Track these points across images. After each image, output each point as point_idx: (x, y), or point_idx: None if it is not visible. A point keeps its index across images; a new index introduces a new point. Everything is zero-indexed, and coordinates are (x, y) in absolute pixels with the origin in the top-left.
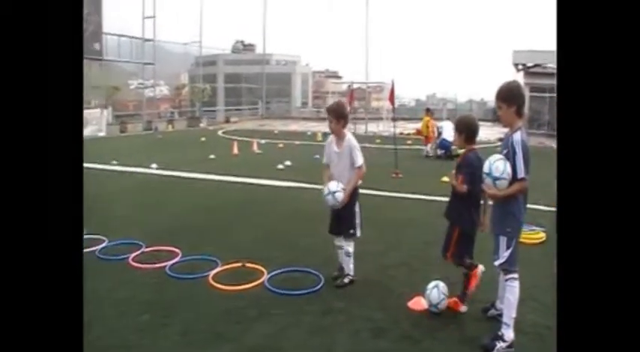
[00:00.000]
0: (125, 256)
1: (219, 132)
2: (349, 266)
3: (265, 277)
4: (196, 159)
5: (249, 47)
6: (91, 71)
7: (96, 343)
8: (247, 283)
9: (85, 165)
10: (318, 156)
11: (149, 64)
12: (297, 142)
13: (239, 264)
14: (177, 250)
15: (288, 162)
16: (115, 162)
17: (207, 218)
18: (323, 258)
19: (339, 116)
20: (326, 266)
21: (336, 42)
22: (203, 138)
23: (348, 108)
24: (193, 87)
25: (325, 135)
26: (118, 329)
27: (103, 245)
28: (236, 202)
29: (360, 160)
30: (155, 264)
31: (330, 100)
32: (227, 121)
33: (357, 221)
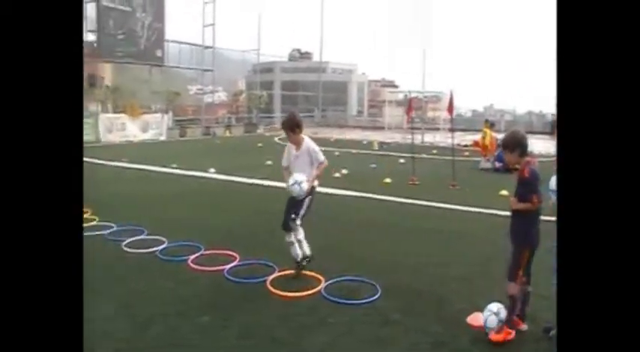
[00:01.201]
0: (185, 257)
1: (276, 139)
2: (305, 249)
3: (322, 285)
4: (253, 164)
5: (305, 55)
6: (152, 77)
7: (157, 340)
8: (304, 290)
9: (146, 167)
10: (375, 166)
11: (208, 70)
12: (353, 151)
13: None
14: (235, 254)
15: (344, 171)
16: (174, 165)
17: (264, 223)
18: (380, 268)
19: (291, 127)
20: (383, 277)
21: (393, 51)
22: (260, 144)
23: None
24: (251, 93)
25: (382, 144)
26: (178, 328)
27: (164, 246)
28: None
29: (321, 157)
30: (214, 266)
31: (387, 109)
32: None
33: (302, 212)
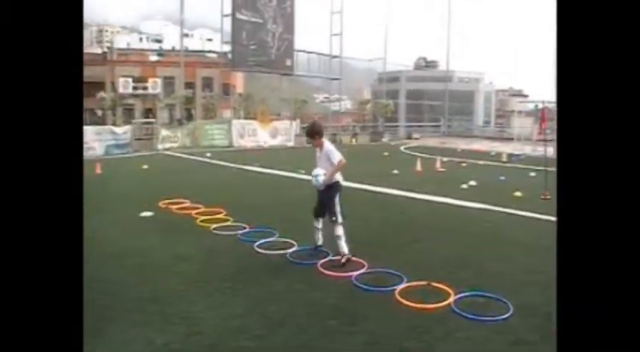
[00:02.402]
0: (314, 262)
1: (402, 148)
2: (343, 248)
3: (452, 298)
4: (380, 173)
5: (431, 64)
6: (281, 85)
7: (287, 340)
8: (434, 303)
9: (275, 171)
10: (504, 178)
11: (335, 79)
12: (480, 162)
13: (425, 283)
14: (362, 262)
15: (472, 182)
16: (302, 171)
17: (392, 233)
18: (513, 286)
19: (311, 134)
20: (516, 295)
21: (521, 60)
22: (386, 153)
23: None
24: (377, 102)
25: (511, 156)
26: (307, 329)
27: (294, 249)
28: (421, 219)
29: (337, 157)
30: (342, 272)
31: (516, 120)
32: (409, 137)
33: (337, 209)
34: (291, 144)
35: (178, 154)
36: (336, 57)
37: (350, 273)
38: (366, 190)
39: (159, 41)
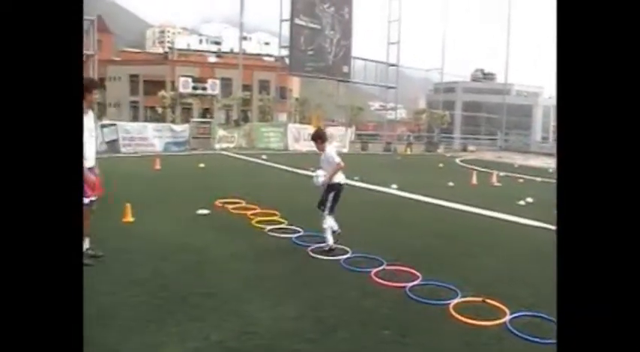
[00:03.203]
0: (367, 270)
1: (457, 160)
2: (328, 240)
3: (507, 317)
4: (435, 184)
5: (489, 76)
6: (338, 92)
7: (340, 346)
8: (488, 319)
9: None
10: None
11: (391, 87)
12: (538, 179)
13: (480, 299)
14: (417, 273)
15: (529, 199)
16: (356, 178)
17: (447, 244)
18: None
19: (315, 139)
20: None
21: None
22: (441, 165)
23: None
24: (433, 112)
25: None
26: (360, 337)
27: (348, 256)
28: (476, 233)
29: (336, 160)
30: (396, 283)
31: None
32: (464, 149)
33: (328, 204)
34: (345, 150)
35: (234, 155)
36: (392, 65)
37: (404, 284)
38: (419, 201)
39: (218, 43)
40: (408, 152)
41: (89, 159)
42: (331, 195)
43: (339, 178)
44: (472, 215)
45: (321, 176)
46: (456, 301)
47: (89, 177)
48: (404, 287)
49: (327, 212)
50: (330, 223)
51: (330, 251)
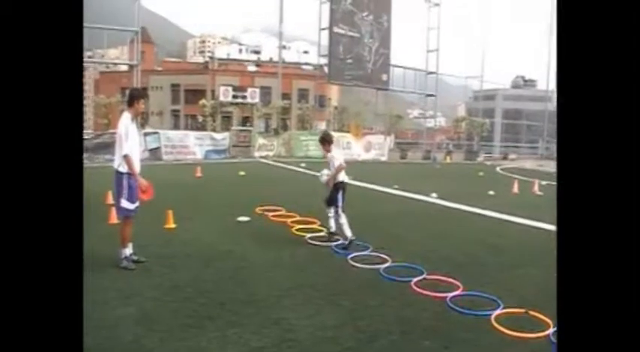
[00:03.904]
0: (407, 279)
1: (497, 169)
2: (347, 232)
3: (550, 330)
4: (475, 193)
5: (529, 83)
6: (376, 100)
7: None
8: (531, 332)
9: (368, 185)
10: None
11: (431, 95)
12: None
13: (522, 310)
14: (458, 283)
15: None
16: (396, 186)
17: (489, 255)
18: None
19: (321, 142)
20: None
21: None
22: (481, 173)
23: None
24: (472, 120)
25: None
26: (400, 347)
27: (387, 264)
28: (518, 244)
29: (336, 162)
30: (437, 292)
31: None
32: (505, 158)
33: (339, 203)
34: (384, 158)
35: (273, 163)
36: (432, 73)
37: (445, 294)
38: (460, 210)
39: (257, 52)
40: (448, 160)
41: (136, 165)
42: (339, 195)
43: (343, 177)
44: (514, 224)
45: (324, 175)
46: (497, 312)
47: (142, 181)
48: (445, 297)
49: (340, 210)
50: (343, 220)
51: (351, 243)
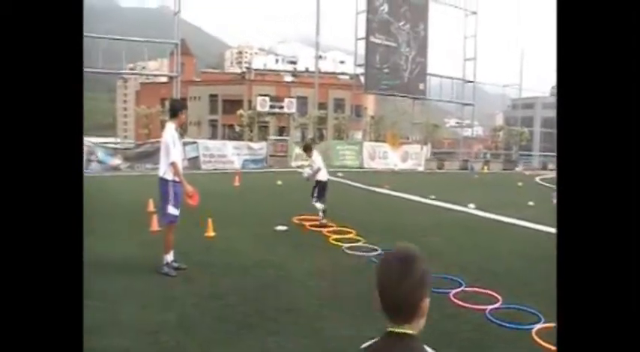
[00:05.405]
0: (446, 291)
1: (537, 179)
2: (320, 215)
3: None
4: (514, 203)
5: None
6: (413, 109)
7: None
8: None
9: (405, 195)
10: None
11: (469, 104)
12: None
13: None
14: (497, 295)
15: None
16: (432, 196)
17: (529, 267)
18: None
19: (305, 149)
20: None
21: None
22: (520, 183)
23: None
24: (510, 129)
25: None
26: None
27: None
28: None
29: (315, 166)
30: (476, 305)
31: None
32: (544, 168)
33: (315, 194)
34: (421, 168)
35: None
36: (469, 82)
37: (484, 306)
38: (498, 221)
39: (293, 63)
40: (486, 170)
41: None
42: (316, 189)
43: (322, 176)
44: (554, 236)
45: (305, 173)
46: (538, 326)
47: (189, 187)
48: (484, 309)
49: (315, 200)
50: (319, 207)
51: (322, 226)
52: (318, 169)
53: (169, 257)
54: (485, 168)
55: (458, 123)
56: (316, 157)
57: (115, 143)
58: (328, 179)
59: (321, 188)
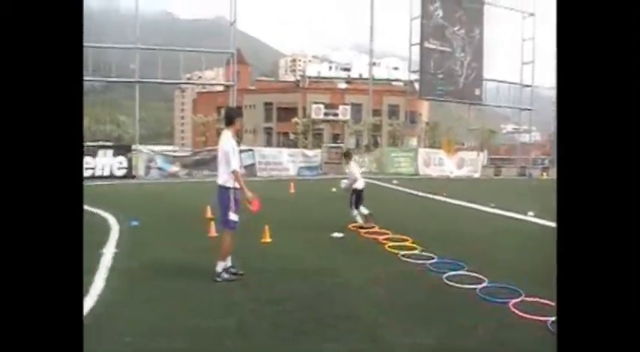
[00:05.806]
0: (505, 300)
1: None
2: (358, 221)
3: None
4: None
5: None
6: (469, 115)
7: None
8: None
9: (462, 203)
10: None
11: (527, 109)
12: None
13: None
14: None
15: None
16: (492, 204)
17: None
18: None
19: (345, 156)
20: None
21: None
22: None
23: None
24: None
25: None
26: None
27: (484, 285)
28: None
29: (352, 176)
30: (537, 315)
31: None
32: None
33: (352, 203)
34: (477, 175)
35: (365, 180)
36: (527, 86)
37: (545, 318)
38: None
39: (347, 70)
40: (545, 177)
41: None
42: (353, 197)
43: (359, 185)
44: None
45: (343, 184)
46: None
47: (249, 193)
48: (545, 321)
49: (352, 207)
50: (358, 214)
51: (361, 228)
52: (355, 180)
53: (228, 263)
54: (544, 174)
55: (515, 128)
56: (353, 167)
57: (174, 151)
58: (364, 187)
59: (357, 196)
